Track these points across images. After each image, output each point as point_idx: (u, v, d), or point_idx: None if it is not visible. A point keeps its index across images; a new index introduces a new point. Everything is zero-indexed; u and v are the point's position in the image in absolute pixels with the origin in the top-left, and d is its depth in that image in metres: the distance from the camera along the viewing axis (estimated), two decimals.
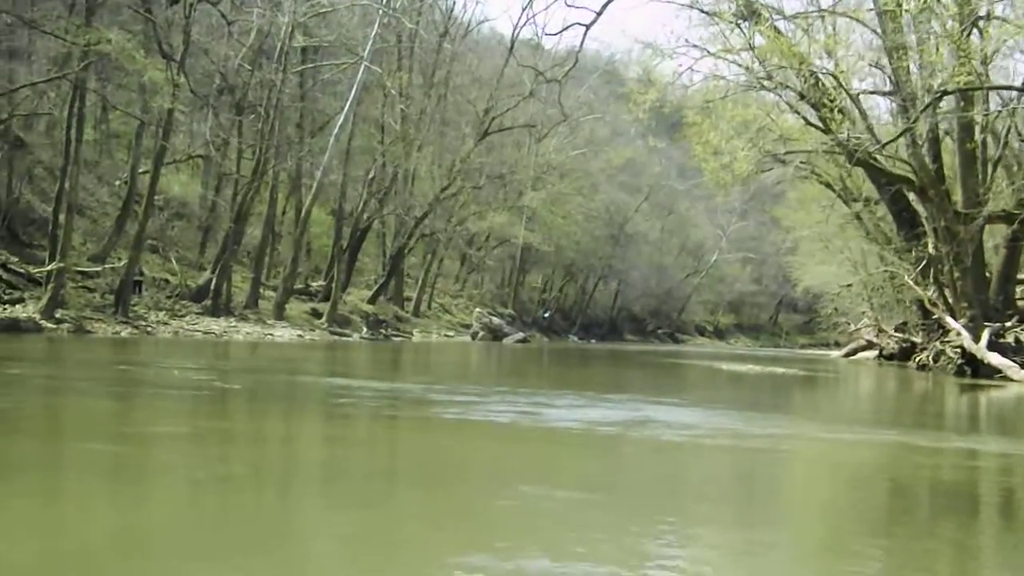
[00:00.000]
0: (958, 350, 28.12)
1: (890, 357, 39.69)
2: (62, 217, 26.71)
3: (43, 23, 26.87)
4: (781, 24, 26.68)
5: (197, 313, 31.56)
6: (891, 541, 6.08)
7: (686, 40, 26.80)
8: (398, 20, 41.53)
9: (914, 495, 8.11)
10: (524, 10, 67.85)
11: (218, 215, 38.70)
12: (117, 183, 36.59)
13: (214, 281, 33.20)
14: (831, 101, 26.67)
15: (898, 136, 26.28)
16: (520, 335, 48.60)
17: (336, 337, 35.38)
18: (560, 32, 70.19)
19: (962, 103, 27.03)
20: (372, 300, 45.07)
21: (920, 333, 35.92)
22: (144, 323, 27.98)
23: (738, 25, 26.75)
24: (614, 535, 5.65)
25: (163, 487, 6.76)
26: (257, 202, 37.25)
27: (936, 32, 25.28)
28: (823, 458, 10.21)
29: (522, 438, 10.23)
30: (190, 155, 39.73)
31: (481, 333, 47.07)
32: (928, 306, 32.60)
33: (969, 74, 24.13)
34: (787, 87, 27.07)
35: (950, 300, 30.41)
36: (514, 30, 58.04)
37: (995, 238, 32.41)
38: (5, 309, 24.35)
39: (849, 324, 47.96)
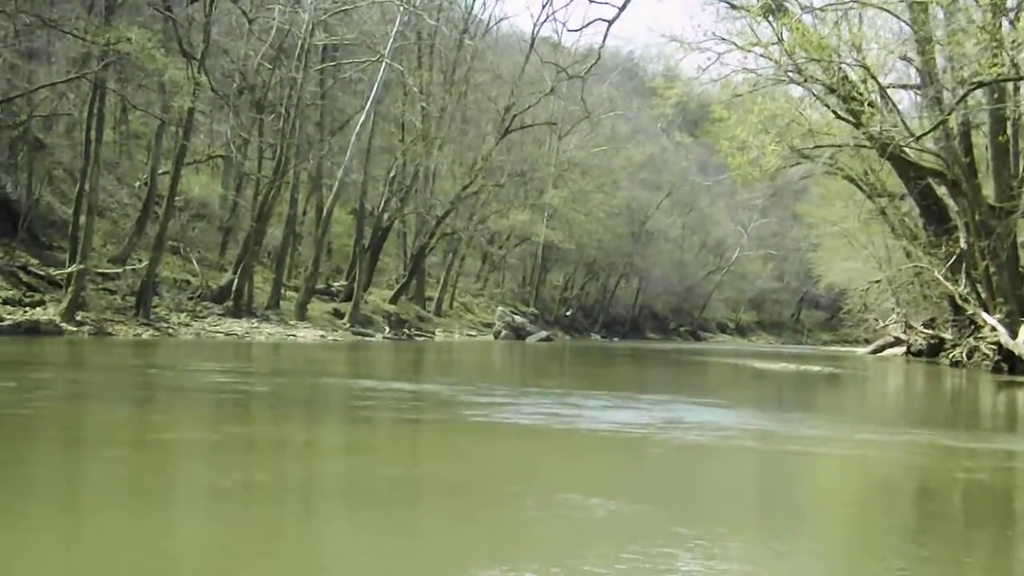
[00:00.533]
0: (994, 346, 27.56)
1: (918, 354, 39.22)
2: (82, 219, 26.52)
3: (62, 23, 26.64)
4: (809, 17, 26.20)
5: (219, 314, 31.35)
6: (926, 550, 5.73)
7: (713, 33, 26.34)
8: (418, 18, 41.22)
9: (951, 500, 7.75)
10: (544, 7, 67.33)
11: (239, 215, 38.52)
12: (137, 184, 36.45)
13: (236, 282, 32.99)
14: (861, 95, 26.23)
15: (933, 128, 25.74)
16: (543, 334, 48.23)
17: (359, 337, 35.11)
18: (583, 28, 69.76)
19: (996, 95, 26.50)
20: (394, 300, 44.83)
21: (951, 329, 35.42)
22: (165, 325, 27.76)
23: (766, 18, 26.28)
24: (658, 546, 5.28)
25: (185, 500, 6.49)
26: (277, 202, 37.03)
27: (966, 23, 24.77)
28: (859, 461, 9.74)
29: (554, 442, 9.88)
30: (210, 155, 39.55)
31: (504, 332, 46.70)
32: (959, 302, 32.07)
33: (1002, 65, 23.64)
34: (816, 80, 26.58)
35: (983, 295, 29.88)
36: (534, 27, 57.78)
37: None
38: (26, 312, 24.11)
39: (877, 321, 47.38)
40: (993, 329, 27.99)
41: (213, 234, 39.70)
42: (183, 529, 5.60)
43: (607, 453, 9.46)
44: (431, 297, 49.71)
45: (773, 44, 25.80)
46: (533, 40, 51.37)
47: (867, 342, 49.65)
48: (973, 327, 31.20)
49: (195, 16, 29.61)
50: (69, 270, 25.58)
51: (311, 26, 33.66)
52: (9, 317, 23.10)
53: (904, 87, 30.47)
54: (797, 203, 68.60)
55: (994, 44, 23.44)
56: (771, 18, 26.10)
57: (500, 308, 50.94)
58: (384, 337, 36.72)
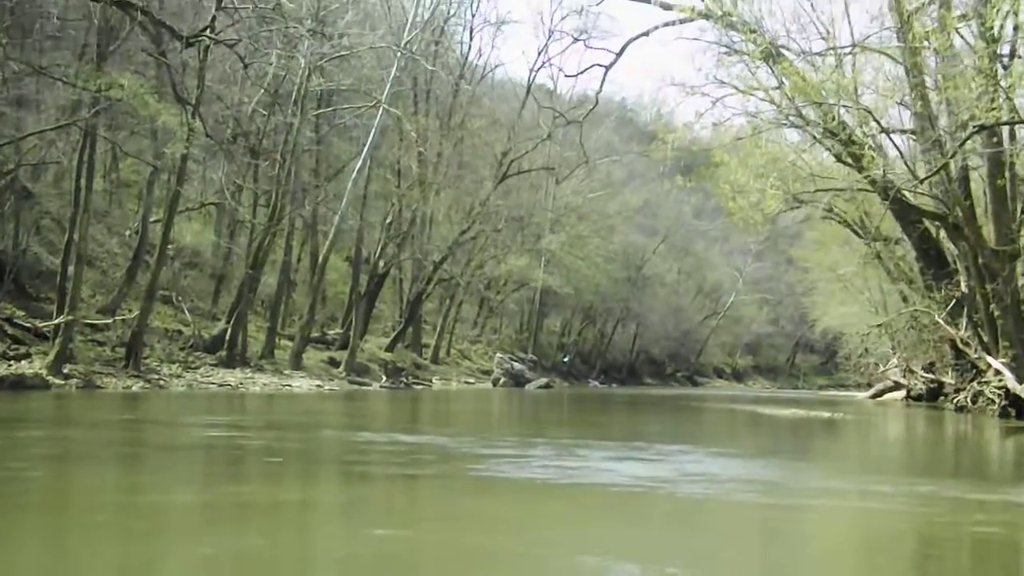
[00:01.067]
0: (999, 391, 27.15)
1: (918, 398, 38.85)
2: (71, 268, 25.99)
3: (52, 70, 26.32)
4: (809, 60, 26.10)
5: (211, 364, 30.80)
6: None
7: (714, 77, 26.21)
8: (414, 63, 41.14)
9: (961, 557, 7.49)
10: (540, 53, 67.48)
11: (232, 263, 38.11)
12: (127, 233, 36.05)
13: (229, 331, 32.46)
14: (863, 137, 26.07)
15: (937, 171, 25.47)
16: (543, 381, 47.76)
17: (355, 387, 34.59)
18: (580, 73, 70.08)
19: (995, 138, 26.32)
20: (390, 347, 44.40)
21: (952, 374, 34.99)
22: (156, 376, 27.17)
23: (766, 62, 26.16)
24: None
25: (174, 572, 6.11)
26: (271, 249, 36.62)
27: (963, 68, 24.66)
28: (870, 515, 9.41)
29: (568, 497, 9.55)
30: (203, 203, 39.20)
31: (503, 379, 46.26)
32: (961, 346, 31.68)
33: (999, 109, 23.51)
34: (817, 124, 26.41)
35: (985, 339, 29.50)
36: (530, 72, 57.80)
37: None
38: (10, 366, 23.38)
39: (878, 365, 46.96)
40: (998, 373, 27.60)
41: (205, 283, 39.21)
42: None
43: (618, 510, 9.14)
44: (428, 344, 49.30)
45: (774, 89, 25.69)
46: (529, 86, 51.42)
47: (869, 386, 49.14)
48: (975, 371, 30.80)
49: (189, 62, 29.33)
50: (57, 321, 25.01)
51: (308, 71, 33.45)
52: None
53: (907, 132, 30.18)
54: (791, 247, 68.64)
55: (991, 89, 23.32)
56: (771, 62, 25.97)
57: (498, 355, 50.53)
58: (381, 386, 36.20)
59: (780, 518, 9.04)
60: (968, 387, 30.90)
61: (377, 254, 44.30)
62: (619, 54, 30.65)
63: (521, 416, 26.22)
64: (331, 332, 42.88)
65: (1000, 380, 27.44)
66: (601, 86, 33.99)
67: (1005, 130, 26.76)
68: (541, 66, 58.43)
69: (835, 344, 73.49)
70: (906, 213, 30.64)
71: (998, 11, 23.99)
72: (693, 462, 13.16)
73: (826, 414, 28.64)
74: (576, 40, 46.28)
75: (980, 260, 27.57)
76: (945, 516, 9.02)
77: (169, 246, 30.90)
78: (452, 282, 49.54)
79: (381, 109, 36.78)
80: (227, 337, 32.38)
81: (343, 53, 34.52)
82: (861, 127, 27.40)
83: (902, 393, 41.96)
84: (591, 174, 57.64)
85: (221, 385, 28.31)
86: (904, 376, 41.94)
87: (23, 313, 26.97)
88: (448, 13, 48.32)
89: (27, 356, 24.51)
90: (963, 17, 24.57)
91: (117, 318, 29.01)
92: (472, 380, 47.16)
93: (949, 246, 32.71)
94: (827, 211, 36.28)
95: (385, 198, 45.82)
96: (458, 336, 55.45)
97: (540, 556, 6.67)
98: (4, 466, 10.15)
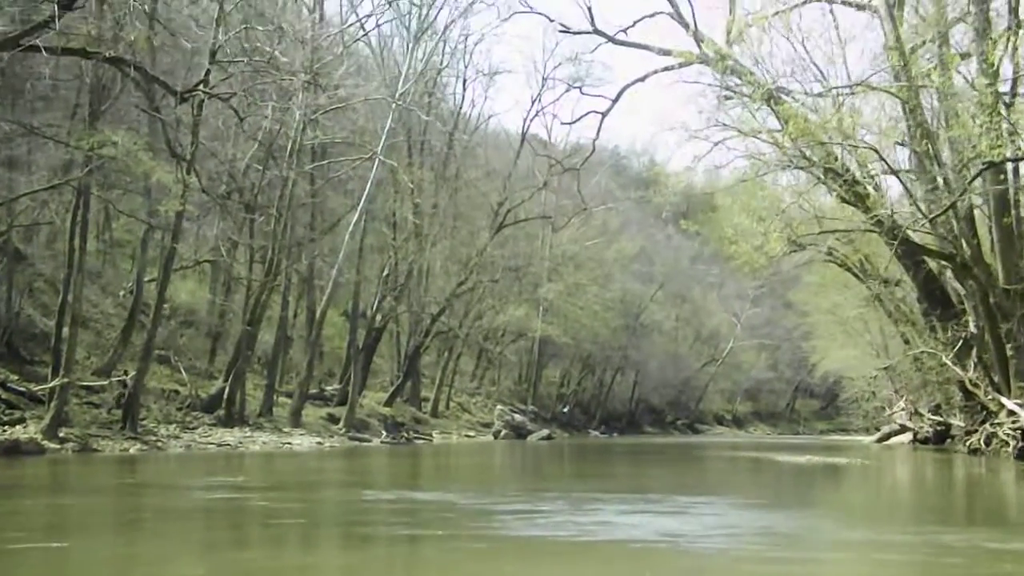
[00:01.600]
0: (1016, 432, 26.63)
1: (924, 441, 38.44)
2: (65, 330, 25.46)
3: (44, 130, 25.96)
4: (810, 101, 25.96)
5: (210, 424, 30.19)
6: None
7: (716, 120, 26.00)
8: (408, 115, 40.98)
9: None
10: (534, 101, 67.51)
11: (228, 320, 37.62)
12: (122, 293, 35.59)
13: (227, 389, 31.88)
14: (865, 178, 25.85)
15: (946, 210, 25.20)
16: (544, 432, 47.11)
17: (356, 443, 34.01)
18: (576, 120, 70.02)
19: (1002, 176, 26.09)
20: (389, 402, 43.84)
21: (961, 416, 34.49)
22: (154, 438, 26.53)
23: (768, 104, 25.98)
24: None
25: None
26: (268, 305, 36.13)
27: (968, 105, 24.52)
28: (900, 569, 9.03)
29: (586, 557, 9.11)
30: (198, 260, 38.78)
31: (504, 431, 45.67)
32: (970, 387, 31.20)
33: (1004, 146, 23.33)
34: (821, 165, 26.16)
35: (996, 379, 29.04)
36: (524, 121, 57.72)
37: None
38: (5, 431, 22.72)
39: (884, 409, 46.49)
40: (1011, 414, 27.14)
41: (201, 341, 38.66)
42: None
43: (638, 569, 8.62)
44: (427, 398, 48.72)
45: (775, 131, 25.48)
46: (524, 134, 51.31)
47: (878, 429, 48.58)
48: (986, 413, 30.31)
49: (183, 118, 29.04)
50: (51, 384, 24.41)
51: (303, 124, 33.20)
52: None
53: (904, 172, 29.99)
54: (789, 291, 68.38)
55: (996, 125, 23.13)
56: (772, 103, 25.79)
57: (499, 407, 49.97)
58: (382, 441, 35.64)
59: (800, 574, 8.83)
60: (981, 429, 30.39)
61: (374, 308, 43.82)
62: (615, 100, 30.62)
63: (526, 469, 25.78)
64: (329, 388, 42.29)
65: (1015, 421, 26.95)
66: (598, 133, 33.98)
67: (1010, 167, 26.59)
68: (536, 115, 57.97)
69: (835, 388, 73.19)
70: (912, 253, 30.36)
71: (997, 47, 23.95)
72: (713, 514, 12.86)
73: (844, 460, 28.14)
74: (570, 88, 46.30)
75: (992, 299, 27.20)
76: (968, 568, 8.65)
77: (164, 305, 30.41)
78: (450, 334, 49.08)
79: (377, 161, 36.53)
80: (225, 396, 31.82)
81: (338, 105, 34.26)
82: (863, 168, 27.21)
83: (908, 436, 41.47)
84: (587, 222, 57.48)
85: (220, 445, 27.69)
86: (910, 419, 41.47)
87: (17, 377, 26.40)
88: (441, 64, 48.34)
89: (22, 421, 23.87)
90: (965, 55, 24.50)
91: (113, 379, 28.44)
92: (472, 433, 46.52)
93: (955, 286, 32.39)
94: (827, 254, 36.04)
95: (381, 251, 45.51)
96: (457, 389, 54.84)
97: None
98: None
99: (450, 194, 47.71)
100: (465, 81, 52.73)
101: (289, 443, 30.46)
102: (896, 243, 26.17)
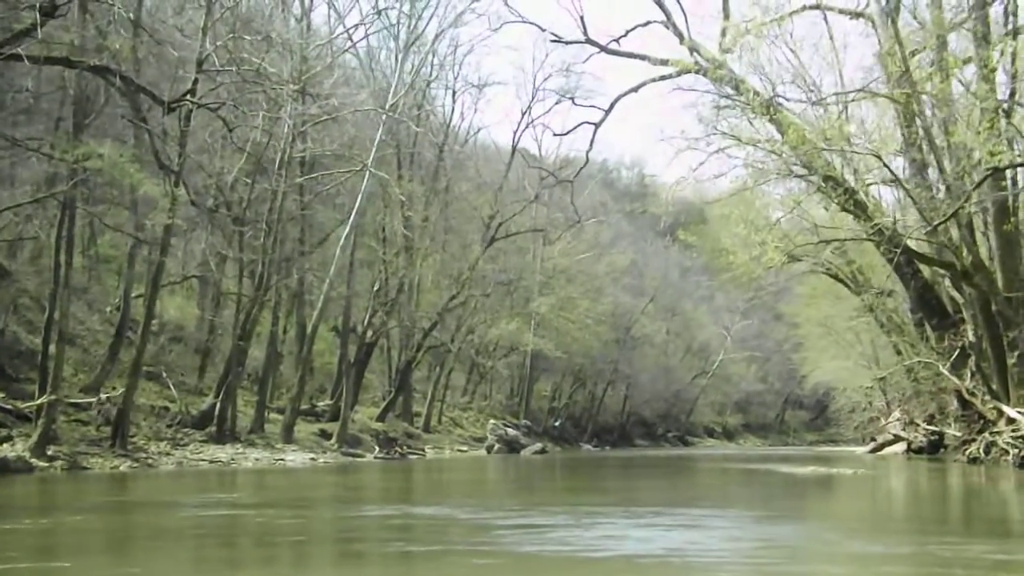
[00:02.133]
0: (1017, 440, 26.32)
1: (919, 451, 38.12)
2: (51, 347, 24.99)
3: (27, 143, 25.47)
4: (808, 109, 25.79)
5: (201, 441, 29.70)
6: None
7: (716, 128, 25.76)
8: (397, 127, 40.63)
9: None
10: (524, 113, 67.16)
11: (217, 336, 37.14)
12: (108, 309, 35.09)
13: (218, 406, 31.39)
14: (864, 186, 25.65)
15: (948, 217, 24.96)
16: (538, 446, 46.72)
17: (349, 459, 33.58)
18: (569, 132, 69.21)
19: (1003, 183, 25.89)
20: (381, 417, 43.44)
21: (957, 425, 34.25)
22: (144, 455, 26.05)
23: (766, 112, 25.74)
24: None
25: None
26: (258, 321, 35.65)
27: (970, 111, 24.39)
28: None
29: (603, 573, 8.79)
30: (186, 275, 38.29)
31: (497, 446, 45.30)
32: (967, 396, 30.93)
33: (1006, 151, 23.18)
34: (821, 174, 25.93)
35: (994, 388, 28.79)
36: (515, 134, 57.43)
37: None
38: None
39: (878, 419, 46.23)
40: (1011, 422, 26.87)
41: (190, 357, 38.17)
42: None
43: None
44: (419, 413, 48.29)
45: (773, 140, 25.27)
46: (515, 147, 51.00)
47: (869, 440, 48.29)
48: (983, 421, 30.04)
49: (169, 130, 28.60)
50: (38, 402, 23.92)
51: (292, 136, 32.79)
52: None
53: (905, 180, 29.84)
54: (779, 303, 68.28)
55: (998, 131, 22.98)
56: (771, 111, 25.57)
57: (492, 421, 49.64)
58: (375, 457, 35.22)
59: None
60: (979, 438, 30.11)
61: (365, 323, 43.41)
62: (608, 111, 30.34)
63: (522, 483, 25.38)
64: (320, 403, 41.85)
65: (1015, 429, 26.67)
66: (591, 144, 33.69)
67: (1009, 174, 26.40)
68: (526, 127, 57.72)
69: (825, 399, 73.05)
70: (910, 262, 30.14)
71: (997, 52, 23.81)
72: (720, 527, 12.60)
73: (848, 471, 27.82)
74: (561, 99, 45.93)
75: (994, 307, 26.96)
76: None
77: (153, 321, 29.93)
78: (442, 349, 48.71)
79: (367, 174, 36.11)
80: (216, 412, 31.33)
81: (328, 116, 33.84)
82: (861, 176, 27.00)
83: (902, 446, 41.18)
84: (579, 235, 57.26)
85: (212, 462, 27.20)
86: (904, 429, 41.20)
87: (3, 395, 25.95)
88: (430, 76, 48.03)
89: (9, 439, 23.39)
90: (967, 60, 24.33)
91: (101, 396, 27.94)
92: (465, 448, 46.13)
93: (953, 294, 32.18)
94: (820, 264, 35.87)
95: (371, 265, 45.11)
96: (449, 403, 54.50)
97: None
98: None
99: (441, 207, 47.38)
100: (455, 93, 52.56)
101: (282, 459, 29.99)
102: (899, 252, 25.88)
